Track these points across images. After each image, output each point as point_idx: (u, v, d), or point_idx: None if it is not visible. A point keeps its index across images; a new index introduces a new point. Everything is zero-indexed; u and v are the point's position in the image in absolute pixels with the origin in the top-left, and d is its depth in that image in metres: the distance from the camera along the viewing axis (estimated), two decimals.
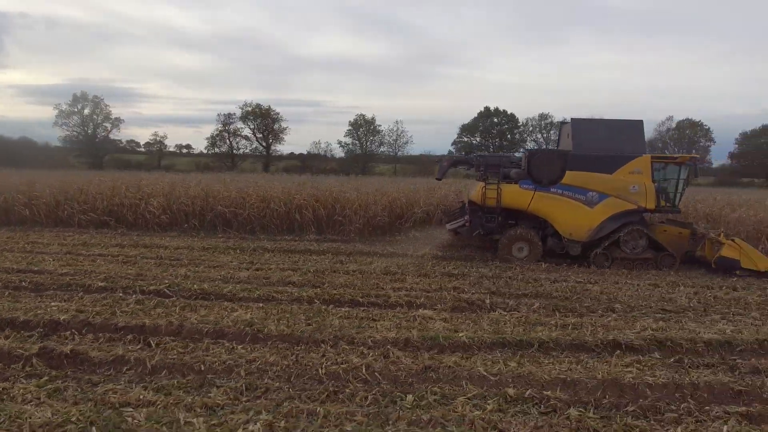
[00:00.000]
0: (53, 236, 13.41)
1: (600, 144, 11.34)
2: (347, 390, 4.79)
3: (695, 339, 6.28)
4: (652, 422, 4.38)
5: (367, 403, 4.59)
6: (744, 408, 4.61)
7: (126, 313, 6.81)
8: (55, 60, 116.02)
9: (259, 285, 8.50)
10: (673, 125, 63.07)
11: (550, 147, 51.90)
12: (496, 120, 64.38)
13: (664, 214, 12.09)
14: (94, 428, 3.99)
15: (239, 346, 5.80)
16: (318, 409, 4.36)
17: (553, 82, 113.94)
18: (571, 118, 12.10)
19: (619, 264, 11.19)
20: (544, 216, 11.53)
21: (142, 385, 4.82)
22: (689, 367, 5.61)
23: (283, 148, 65.35)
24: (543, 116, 64.48)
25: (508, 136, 64.07)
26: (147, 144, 66.28)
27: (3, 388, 4.65)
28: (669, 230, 11.85)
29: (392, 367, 5.31)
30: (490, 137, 64.07)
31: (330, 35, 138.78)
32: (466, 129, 65.11)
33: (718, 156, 73.25)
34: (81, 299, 7.41)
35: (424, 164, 49.49)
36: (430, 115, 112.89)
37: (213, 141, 62.04)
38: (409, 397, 4.69)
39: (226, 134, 61.87)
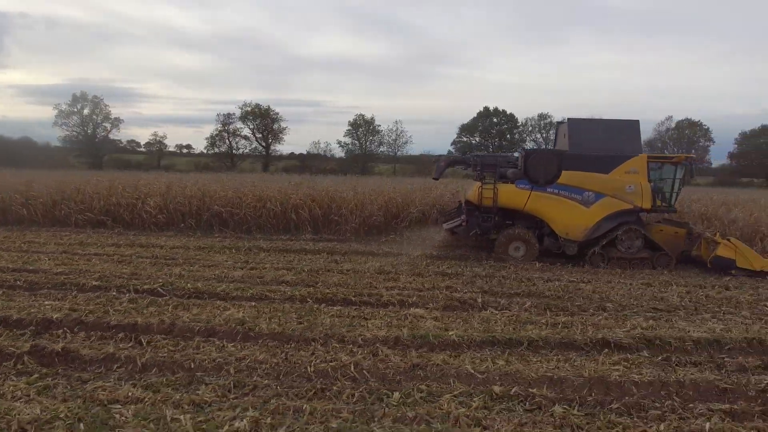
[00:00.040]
0: (50, 236, 13.46)
1: (596, 144, 11.36)
2: (335, 387, 4.82)
3: (684, 337, 6.32)
4: (635, 419, 4.41)
5: (354, 400, 4.62)
6: (728, 405, 4.64)
7: (119, 311, 6.85)
8: (55, 60, 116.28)
9: (252, 284, 8.54)
10: (673, 125, 63.05)
11: (549, 147, 51.87)
12: (495, 120, 64.33)
13: (660, 213, 12.14)
14: (81, 425, 4.03)
15: (230, 345, 5.84)
16: (305, 406, 4.40)
17: (553, 82, 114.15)
18: (568, 118, 12.13)
19: (615, 263, 11.21)
20: (541, 216, 11.56)
21: (131, 382, 4.86)
22: (676, 365, 5.64)
23: (283, 148, 65.34)
24: (542, 116, 64.48)
25: (508, 136, 63.99)
26: (147, 144, 66.31)
27: None
28: (665, 230, 11.88)
29: (381, 365, 5.35)
30: (490, 137, 64.00)
31: (330, 35, 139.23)
32: (466, 129, 65.06)
33: (718, 156, 73.12)
34: (75, 298, 7.46)
35: (424, 164, 49.34)
36: (429, 115, 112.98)
37: (212, 141, 62.03)
38: (396, 394, 4.72)
39: (226, 134, 61.88)
